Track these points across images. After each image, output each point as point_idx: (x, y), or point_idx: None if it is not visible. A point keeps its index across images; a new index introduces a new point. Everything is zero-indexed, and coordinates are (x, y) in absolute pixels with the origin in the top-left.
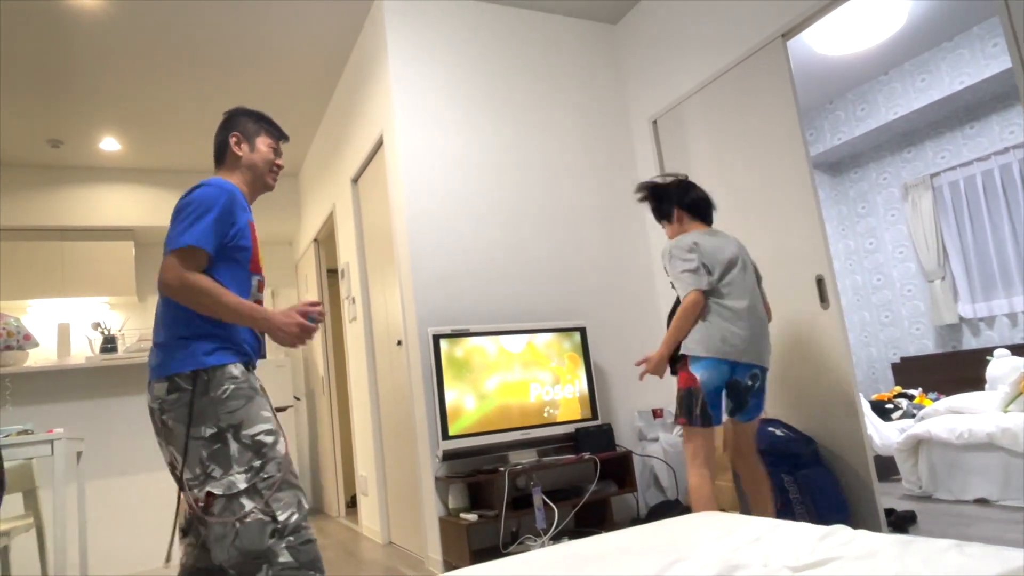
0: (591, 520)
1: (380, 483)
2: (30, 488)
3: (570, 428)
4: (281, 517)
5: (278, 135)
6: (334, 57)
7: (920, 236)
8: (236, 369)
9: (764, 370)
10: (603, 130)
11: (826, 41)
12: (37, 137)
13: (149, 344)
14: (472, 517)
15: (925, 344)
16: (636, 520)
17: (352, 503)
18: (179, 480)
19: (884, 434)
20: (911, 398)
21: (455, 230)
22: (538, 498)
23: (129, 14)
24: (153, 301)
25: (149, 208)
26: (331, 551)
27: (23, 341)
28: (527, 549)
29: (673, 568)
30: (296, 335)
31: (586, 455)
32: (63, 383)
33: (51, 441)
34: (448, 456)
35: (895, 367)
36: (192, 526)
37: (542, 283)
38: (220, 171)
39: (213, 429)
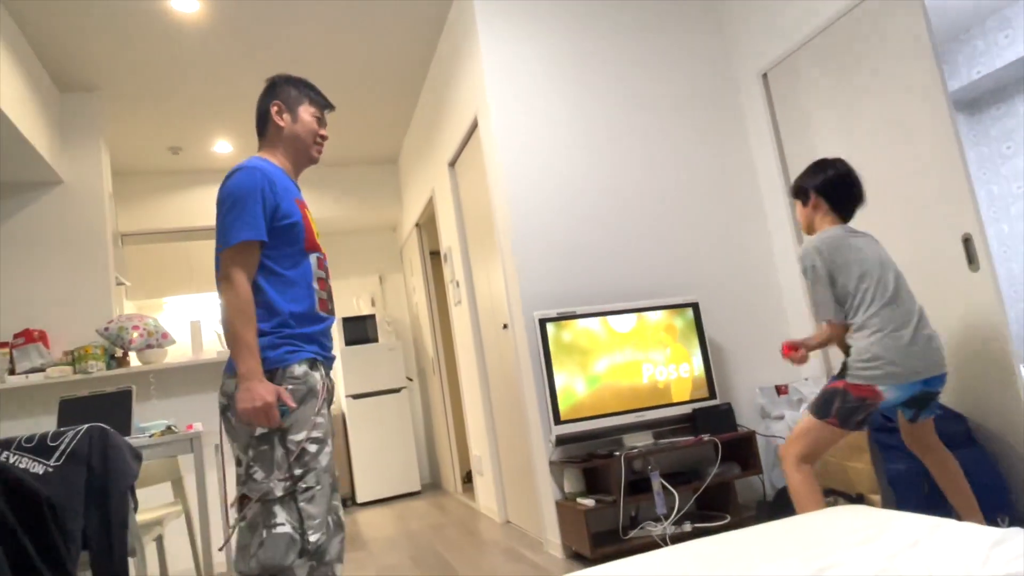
0: (714, 504)
1: (494, 463)
2: (176, 478)
3: (687, 409)
4: (312, 538)
5: (323, 104)
6: (425, 41)
7: None
8: (299, 368)
9: None
10: (706, 91)
11: None
12: (160, 146)
13: None
14: (589, 502)
15: None
16: (762, 503)
17: (468, 479)
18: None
19: None
20: None
21: (555, 209)
22: (656, 482)
23: (232, 20)
24: None
25: None
26: (452, 528)
27: (161, 339)
28: (648, 534)
29: None
30: (258, 409)
31: (706, 437)
32: (198, 376)
33: (190, 439)
34: (561, 441)
35: None
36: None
37: (649, 259)
38: (262, 146)
39: (264, 429)
